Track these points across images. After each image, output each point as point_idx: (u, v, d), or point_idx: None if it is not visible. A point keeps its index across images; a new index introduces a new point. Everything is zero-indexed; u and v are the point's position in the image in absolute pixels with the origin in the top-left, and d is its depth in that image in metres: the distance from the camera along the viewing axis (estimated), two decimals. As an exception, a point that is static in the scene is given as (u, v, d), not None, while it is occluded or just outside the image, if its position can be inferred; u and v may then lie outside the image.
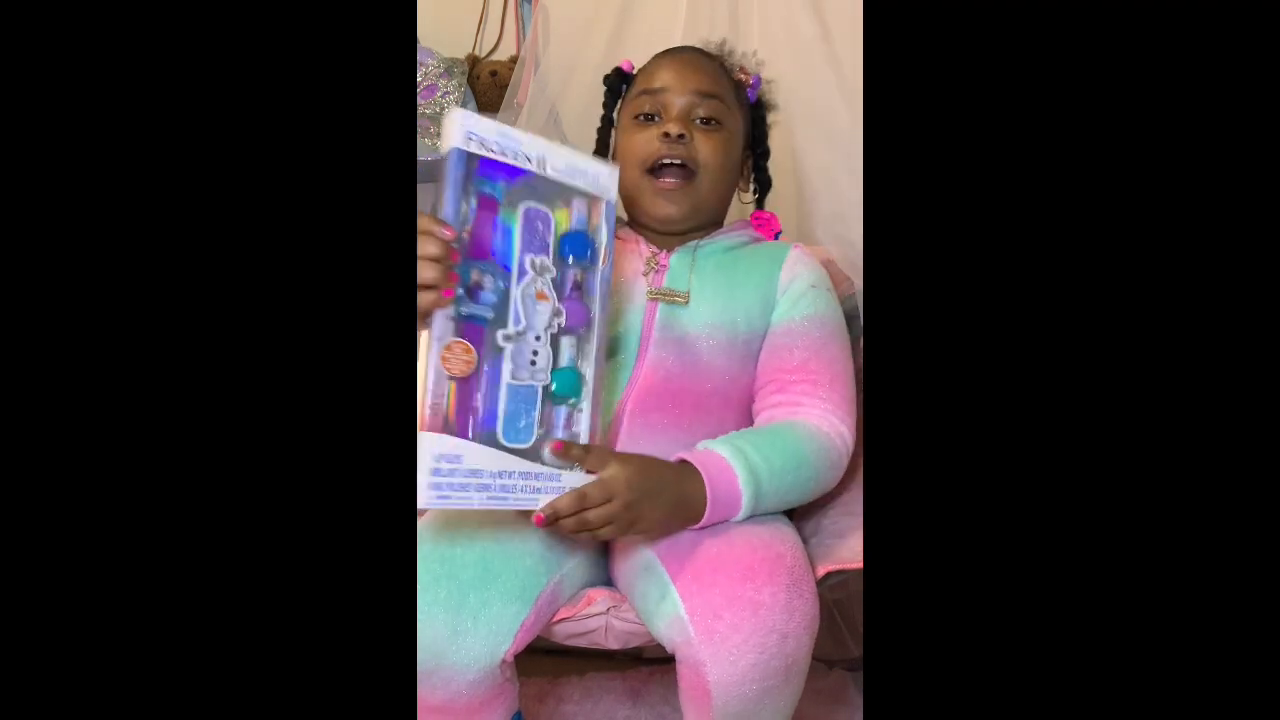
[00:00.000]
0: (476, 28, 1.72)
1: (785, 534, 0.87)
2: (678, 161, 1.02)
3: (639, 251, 1.05)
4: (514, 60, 1.66)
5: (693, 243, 1.06)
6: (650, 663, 1.32)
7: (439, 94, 1.58)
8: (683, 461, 0.86)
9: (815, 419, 0.93)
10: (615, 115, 1.15)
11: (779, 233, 1.15)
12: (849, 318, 1.24)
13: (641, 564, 0.86)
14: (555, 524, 0.79)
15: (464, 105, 1.63)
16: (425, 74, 1.58)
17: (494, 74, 1.65)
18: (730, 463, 0.86)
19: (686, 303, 1.00)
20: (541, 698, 1.26)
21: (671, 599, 0.81)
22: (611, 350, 0.98)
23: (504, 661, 0.82)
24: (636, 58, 1.49)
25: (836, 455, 0.92)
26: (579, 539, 0.83)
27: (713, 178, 1.04)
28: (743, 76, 1.16)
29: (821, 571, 0.90)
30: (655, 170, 1.03)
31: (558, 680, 1.30)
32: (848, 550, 0.93)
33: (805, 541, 1.02)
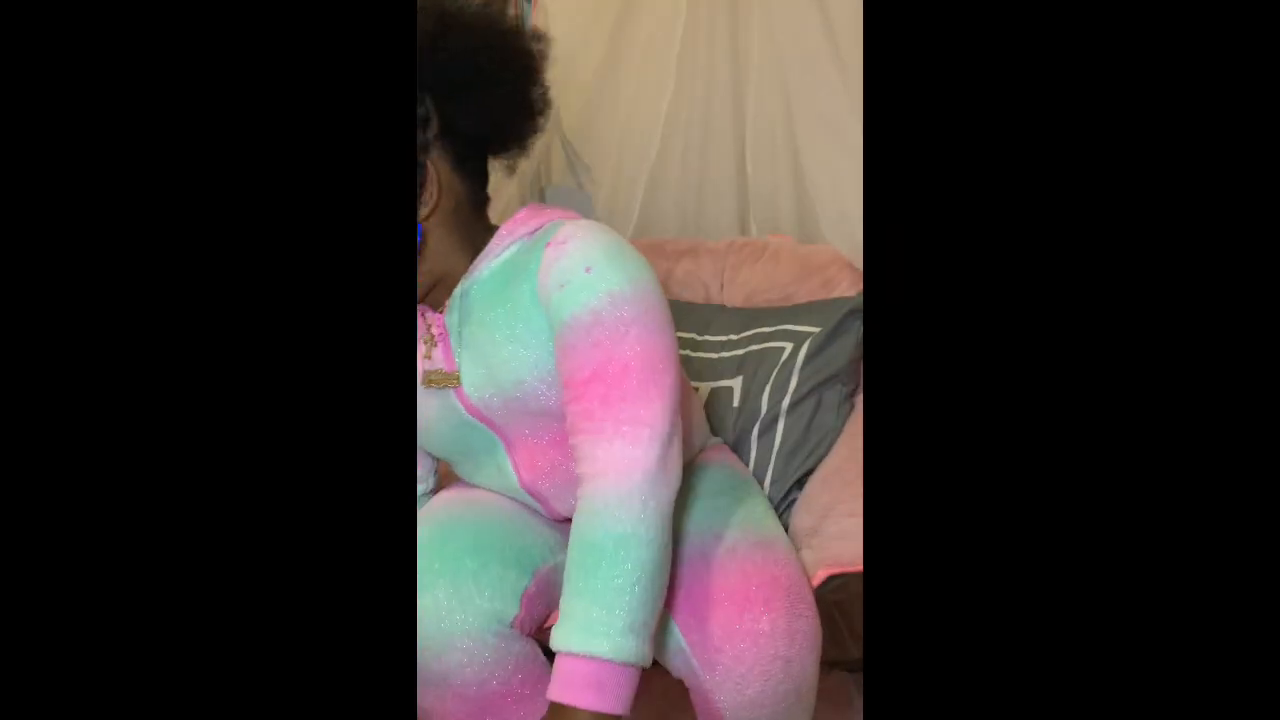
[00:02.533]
0: (476, 27, 1.71)
1: (778, 551, 0.85)
2: None
3: (420, 328, 0.91)
4: (514, 60, 1.66)
5: (459, 287, 0.87)
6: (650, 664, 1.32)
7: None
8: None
9: (603, 465, 0.76)
10: None
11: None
12: (852, 319, 1.24)
13: None
14: None
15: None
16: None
17: (494, 74, 1.65)
18: (598, 666, 0.72)
19: (459, 382, 0.86)
20: (542, 698, 1.26)
21: (672, 633, 0.81)
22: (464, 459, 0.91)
23: (515, 628, 0.81)
24: (636, 58, 1.49)
25: (642, 498, 0.75)
26: None
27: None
28: None
29: (823, 575, 0.90)
30: None
31: (558, 681, 1.29)
32: (848, 551, 0.93)
33: (806, 542, 1.02)
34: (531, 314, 0.82)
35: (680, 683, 0.83)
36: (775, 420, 1.21)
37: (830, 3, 1.37)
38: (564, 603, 0.75)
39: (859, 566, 0.90)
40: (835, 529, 1.00)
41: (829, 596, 0.91)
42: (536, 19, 1.56)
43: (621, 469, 0.75)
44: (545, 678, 0.82)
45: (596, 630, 0.72)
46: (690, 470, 0.95)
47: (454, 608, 0.79)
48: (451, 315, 0.87)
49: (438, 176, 0.83)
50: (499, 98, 0.83)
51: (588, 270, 0.79)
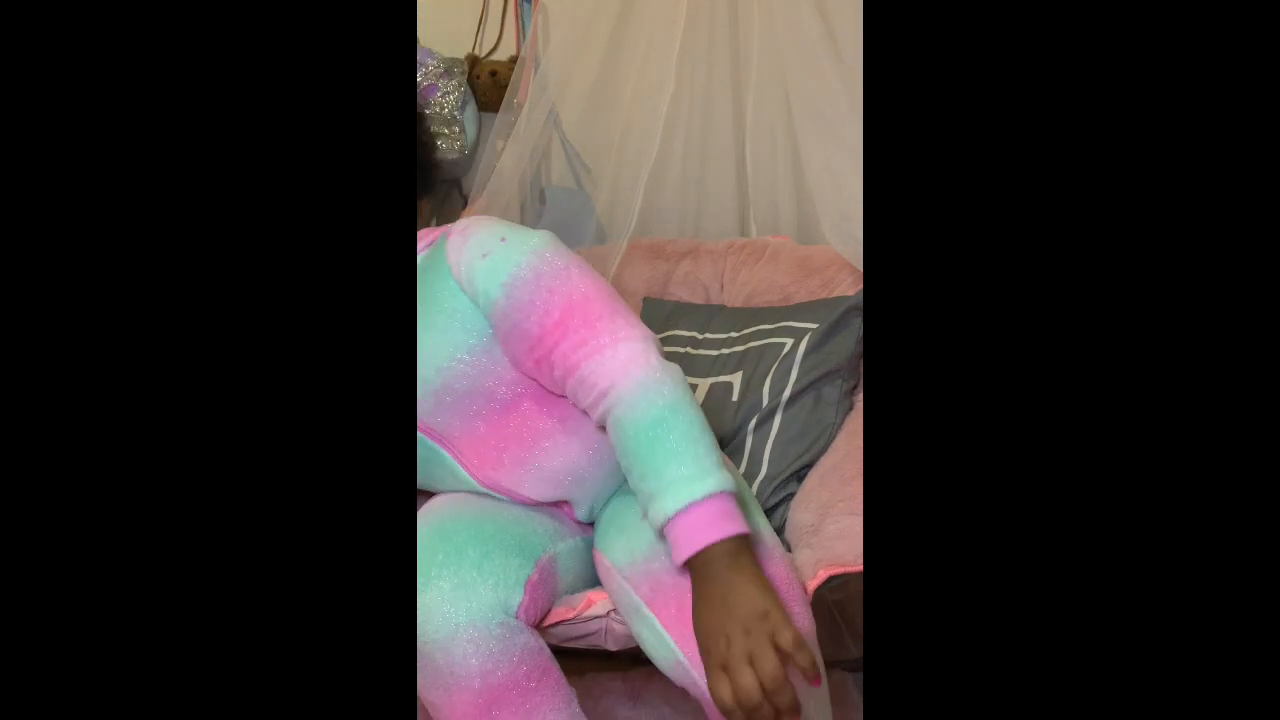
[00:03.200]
0: (476, 28, 1.71)
1: (763, 549, 0.85)
2: None
3: None
4: (514, 60, 1.66)
5: None
6: (650, 663, 1.32)
7: (439, 94, 1.58)
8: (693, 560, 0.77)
9: (614, 368, 0.82)
10: None
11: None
12: (852, 316, 1.24)
13: (631, 606, 0.85)
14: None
15: (464, 105, 1.63)
16: (425, 74, 1.58)
17: (494, 74, 1.65)
18: (701, 505, 0.77)
19: None
20: (541, 698, 1.26)
21: (668, 645, 0.81)
22: None
23: (519, 618, 0.81)
24: (636, 58, 1.49)
25: (668, 376, 0.82)
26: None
27: None
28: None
29: (823, 576, 0.90)
30: None
31: (558, 680, 1.29)
32: (849, 551, 0.93)
33: (806, 541, 1.02)
34: (447, 299, 0.89)
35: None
36: (773, 413, 1.21)
37: (830, 4, 1.37)
38: (645, 482, 0.79)
39: (859, 566, 0.90)
40: (835, 528, 0.99)
41: (829, 596, 0.91)
42: (536, 19, 1.57)
43: (639, 361, 0.82)
44: (551, 672, 0.82)
45: (697, 476, 0.77)
46: None
47: (458, 598, 0.78)
48: None
49: None
50: None
51: (503, 240, 0.88)
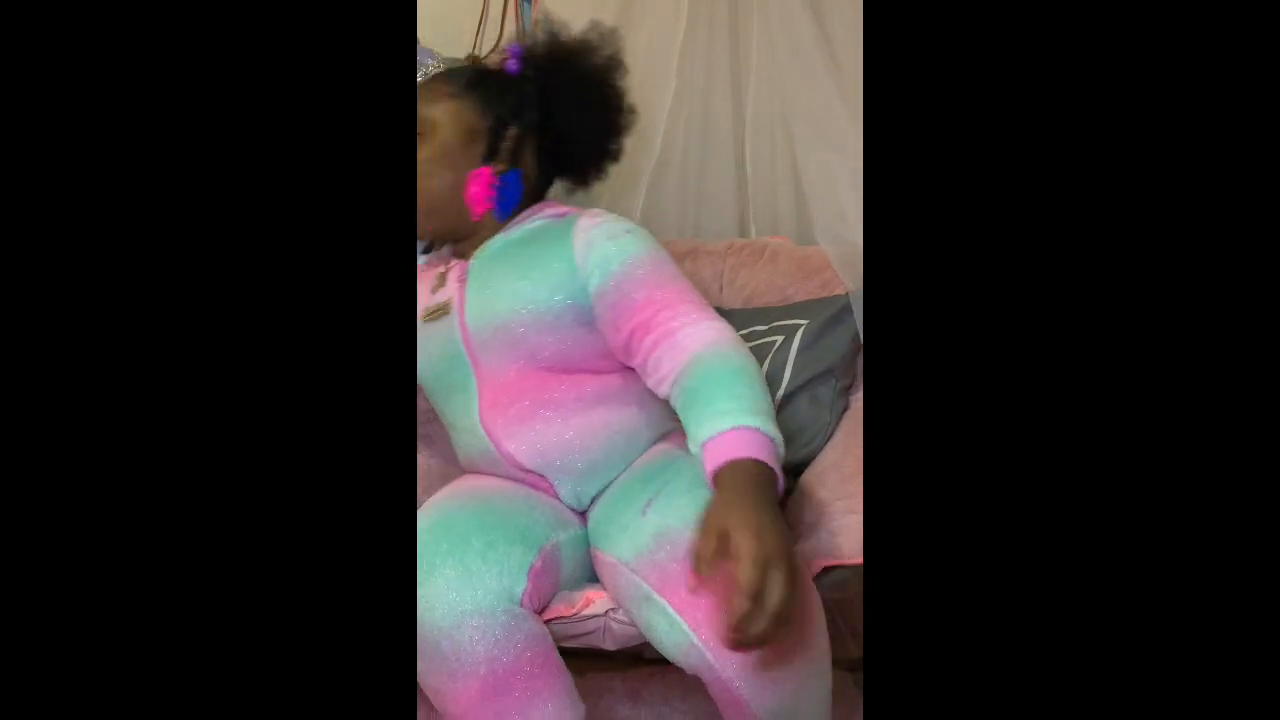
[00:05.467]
0: (476, 28, 1.71)
1: None
2: None
3: (433, 273, 1.13)
4: (514, 60, 1.66)
5: (484, 245, 1.10)
6: (650, 663, 1.32)
7: (439, 94, 1.58)
8: (729, 464, 0.82)
9: (706, 335, 0.94)
10: None
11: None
12: (846, 315, 1.25)
13: (640, 595, 0.85)
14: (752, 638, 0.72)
15: (464, 105, 1.63)
16: (425, 74, 1.59)
17: (494, 74, 1.65)
18: (753, 432, 0.84)
19: (447, 313, 1.06)
20: (541, 698, 1.26)
21: (681, 629, 0.81)
22: (444, 378, 1.06)
23: (523, 606, 0.82)
24: (636, 58, 1.49)
25: (748, 355, 0.94)
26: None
27: (426, 185, 1.06)
28: (492, 56, 1.23)
29: (819, 566, 0.90)
30: None
31: (557, 680, 1.29)
32: (846, 544, 0.93)
33: (807, 536, 1.02)
34: (553, 260, 1.03)
35: (680, 675, 0.84)
36: None
37: (827, 8, 1.38)
38: (719, 403, 0.87)
39: (857, 559, 0.91)
40: (834, 525, 1.00)
41: (827, 595, 0.91)
42: (536, 20, 1.56)
43: (725, 330, 0.96)
44: (553, 658, 0.84)
45: (762, 416, 0.86)
46: (674, 458, 0.98)
47: (463, 585, 0.81)
48: (477, 260, 1.08)
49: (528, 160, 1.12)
50: (594, 122, 1.15)
51: (628, 232, 1.05)
